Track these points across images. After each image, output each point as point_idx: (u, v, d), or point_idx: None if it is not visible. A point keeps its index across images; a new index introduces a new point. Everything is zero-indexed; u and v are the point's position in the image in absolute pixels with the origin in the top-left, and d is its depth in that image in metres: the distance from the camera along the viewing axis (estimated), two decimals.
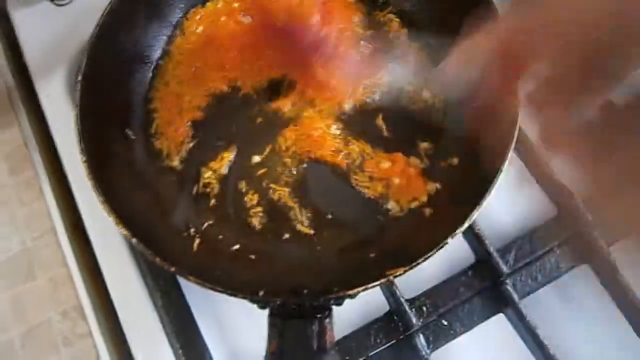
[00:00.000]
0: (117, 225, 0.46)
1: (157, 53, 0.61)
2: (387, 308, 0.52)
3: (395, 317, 0.51)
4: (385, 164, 0.54)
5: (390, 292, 0.51)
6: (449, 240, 0.43)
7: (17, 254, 0.55)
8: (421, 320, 0.51)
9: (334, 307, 0.43)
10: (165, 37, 0.61)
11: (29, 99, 0.63)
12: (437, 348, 0.51)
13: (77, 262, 0.55)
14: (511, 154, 0.46)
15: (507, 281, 0.52)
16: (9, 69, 0.64)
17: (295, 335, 0.41)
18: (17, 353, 0.51)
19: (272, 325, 0.42)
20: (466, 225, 0.44)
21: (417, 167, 0.54)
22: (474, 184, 0.46)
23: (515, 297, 0.51)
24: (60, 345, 0.51)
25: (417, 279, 0.53)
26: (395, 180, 0.53)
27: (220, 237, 0.53)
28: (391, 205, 0.53)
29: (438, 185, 0.53)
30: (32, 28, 0.65)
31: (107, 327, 0.53)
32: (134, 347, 0.51)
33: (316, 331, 0.41)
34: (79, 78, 0.51)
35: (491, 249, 0.52)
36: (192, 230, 0.52)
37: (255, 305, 0.44)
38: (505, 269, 0.52)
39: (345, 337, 0.51)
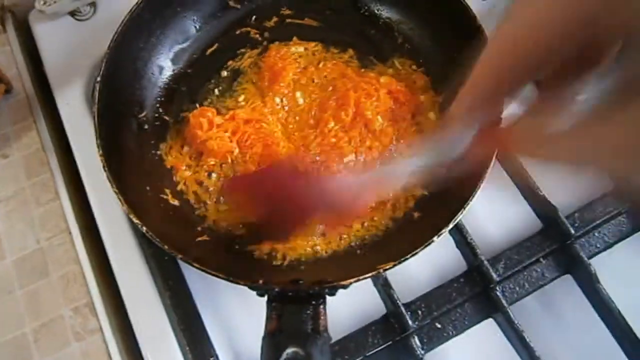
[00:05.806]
0: (129, 214, 0.48)
1: (169, 59, 0.64)
2: (385, 311, 0.55)
3: (392, 320, 0.54)
4: None
5: (387, 295, 0.55)
6: (435, 239, 0.47)
7: (33, 252, 0.57)
8: (416, 323, 0.54)
9: (328, 297, 0.46)
10: (177, 46, 0.65)
11: (46, 106, 0.67)
12: (431, 349, 0.54)
13: (89, 260, 0.57)
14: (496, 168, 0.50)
15: (497, 288, 0.55)
16: (29, 78, 0.67)
17: (292, 317, 0.44)
18: (31, 347, 0.53)
19: (270, 308, 0.45)
20: (451, 226, 0.47)
21: None
22: (460, 190, 0.50)
23: (504, 303, 0.54)
24: (72, 340, 0.53)
25: (413, 284, 0.57)
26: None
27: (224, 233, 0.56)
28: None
29: (425, 192, 0.57)
30: (52, 40, 0.69)
31: (116, 323, 0.55)
32: (142, 342, 0.54)
33: (311, 315, 0.44)
34: (98, 80, 0.54)
35: (482, 258, 0.56)
36: (198, 227, 0.56)
37: (254, 300, 0.46)
38: (495, 277, 0.55)
39: (344, 338, 0.54)
